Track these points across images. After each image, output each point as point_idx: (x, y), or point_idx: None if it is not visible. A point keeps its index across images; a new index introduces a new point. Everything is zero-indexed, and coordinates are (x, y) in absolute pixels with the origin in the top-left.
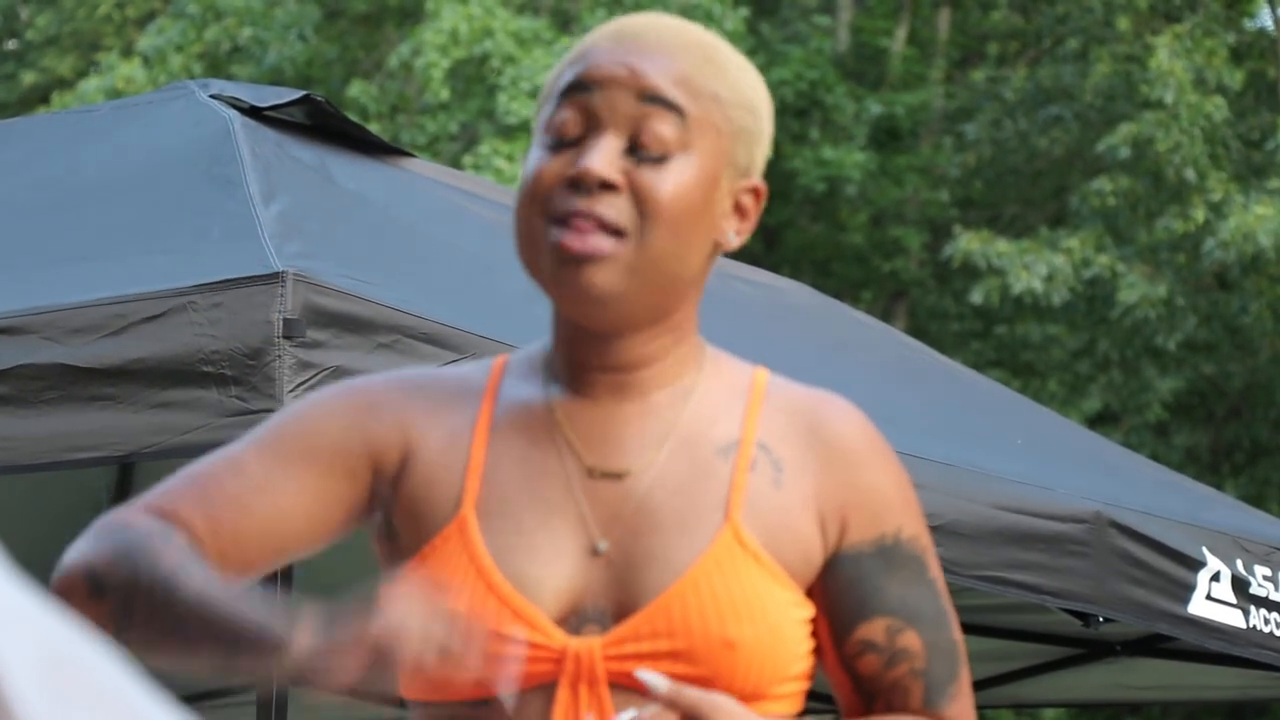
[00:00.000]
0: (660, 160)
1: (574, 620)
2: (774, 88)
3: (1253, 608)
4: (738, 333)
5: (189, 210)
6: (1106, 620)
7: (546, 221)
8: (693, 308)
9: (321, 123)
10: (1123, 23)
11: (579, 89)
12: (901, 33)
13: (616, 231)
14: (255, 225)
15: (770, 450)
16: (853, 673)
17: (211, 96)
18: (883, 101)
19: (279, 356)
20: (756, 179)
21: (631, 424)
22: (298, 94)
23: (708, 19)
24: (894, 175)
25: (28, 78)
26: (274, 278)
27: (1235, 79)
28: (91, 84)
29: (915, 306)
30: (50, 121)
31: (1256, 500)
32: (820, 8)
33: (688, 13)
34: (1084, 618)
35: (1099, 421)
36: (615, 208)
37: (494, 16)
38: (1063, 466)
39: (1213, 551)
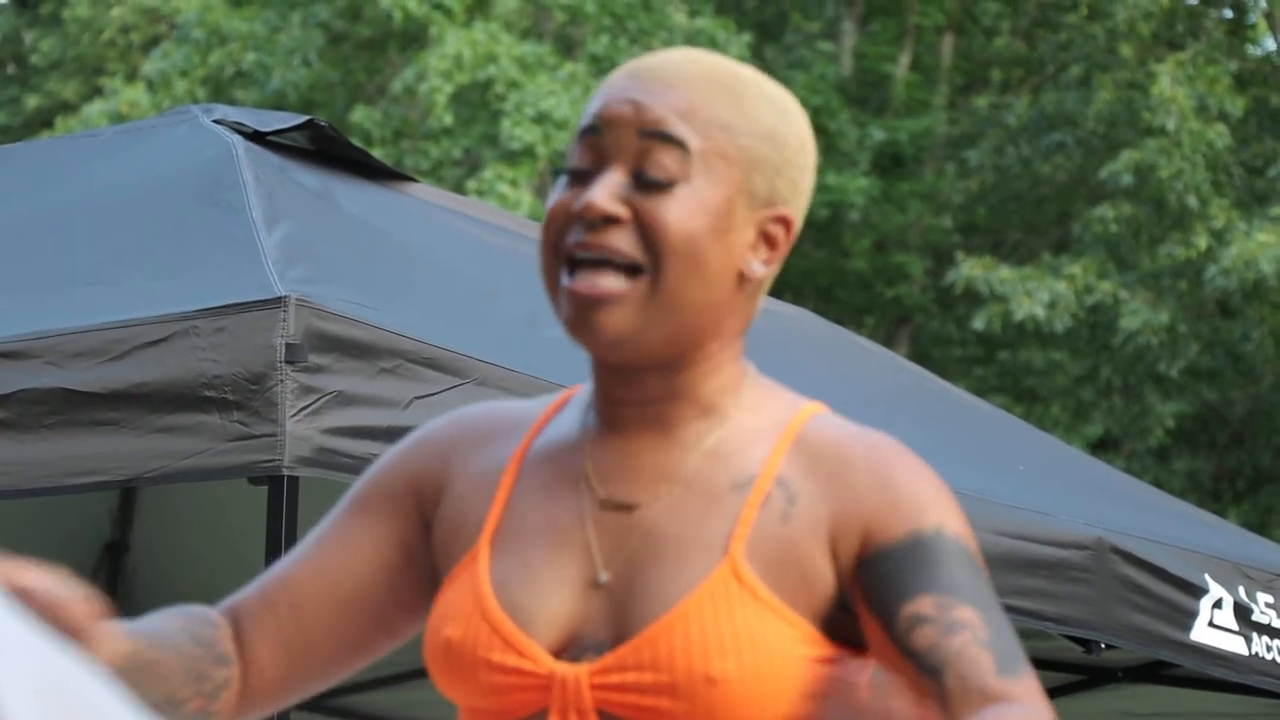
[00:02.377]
0: (664, 189)
1: (573, 650)
2: None
3: (1255, 635)
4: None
5: (192, 235)
6: (1108, 647)
7: (559, 263)
8: (729, 340)
9: (325, 147)
10: (1125, 50)
11: (591, 130)
12: (905, 59)
13: (628, 267)
14: (258, 250)
15: (788, 485)
16: (911, 653)
17: (215, 121)
18: (886, 127)
19: (281, 381)
20: (785, 209)
21: (650, 457)
22: (301, 119)
23: (712, 44)
24: (897, 201)
25: (32, 102)
26: (276, 302)
27: (1238, 106)
28: (95, 108)
29: (918, 332)
30: (54, 146)
31: (1259, 527)
32: (824, 34)
33: (692, 38)
34: (1086, 644)
35: (1101, 448)
36: (622, 239)
37: (498, 42)
38: (1065, 492)
39: (1215, 578)
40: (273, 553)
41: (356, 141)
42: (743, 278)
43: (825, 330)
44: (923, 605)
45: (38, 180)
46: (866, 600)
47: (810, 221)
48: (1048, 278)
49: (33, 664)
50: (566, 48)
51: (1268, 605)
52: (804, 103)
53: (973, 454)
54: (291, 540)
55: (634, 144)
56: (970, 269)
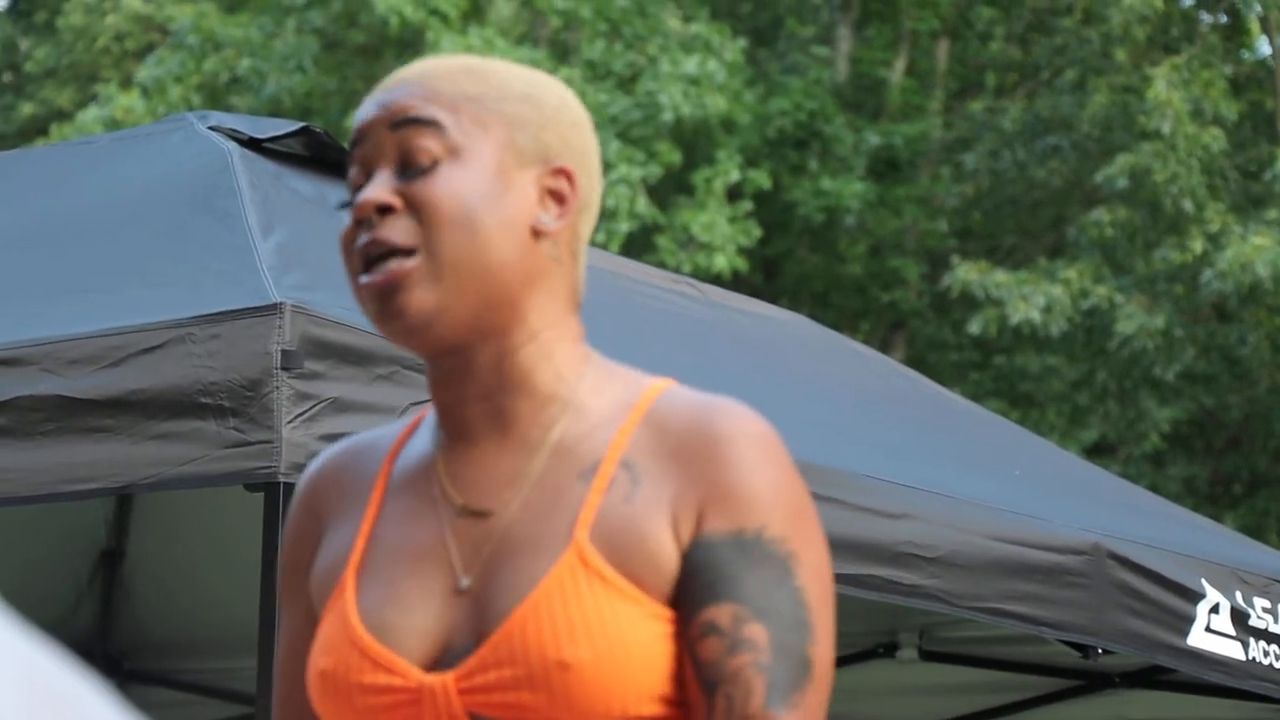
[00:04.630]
0: (428, 170)
1: (446, 659)
2: (772, 118)
3: (1252, 640)
4: (734, 365)
5: (187, 242)
6: (1105, 652)
7: (355, 275)
8: (554, 318)
9: (320, 154)
10: (1120, 54)
11: (354, 145)
12: (900, 64)
13: (406, 251)
14: (253, 257)
15: (633, 466)
16: (695, 661)
17: (210, 128)
18: (881, 132)
19: (277, 388)
20: (561, 162)
21: (498, 461)
22: (296, 125)
23: (706, 49)
24: (892, 206)
25: (26, 109)
26: (272, 309)
27: (1233, 110)
28: (90, 114)
29: (914, 337)
30: (49, 153)
31: (1255, 532)
32: (819, 39)
33: (687, 44)
34: (1082, 649)
35: (1097, 452)
36: (397, 228)
37: (493, 47)
38: (1061, 498)
39: (1212, 583)
40: (269, 559)
41: None
42: (537, 234)
43: (820, 335)
44: (720, 614)
45: (33, 188)
46: (677, 588)
47: (806, 226)
48: (1043, 282)
49: (17, 664)
50: (562, 53)
51: (1264, 610)
52: (799, 107)
53: (968, 459)
54: None
55: (390, 139)
56: (966, 273)
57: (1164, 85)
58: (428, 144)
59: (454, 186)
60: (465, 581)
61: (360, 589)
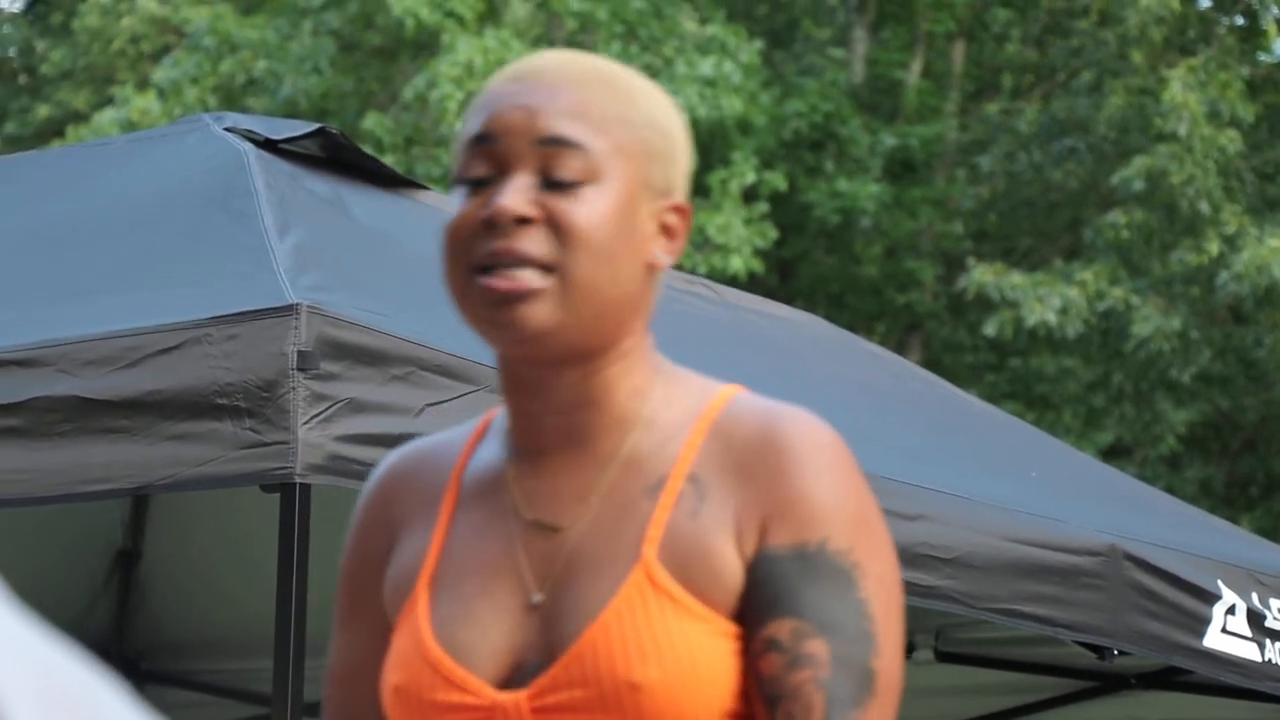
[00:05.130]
0: (571, 190)
1: (517, 677)
2: (788, 120)
3: (1268, 641)
4: (750, 366)
5: (203, 243)
6: (1121, 653)
7: (470, 271)
8: (640, 337)
9: (336, 155)
10: (1137, 56)
11: (482, 140)
12: (916, 65)
13: (542, 266)
14: (270, 258)
15: (699, 481)
16: (757, 676)
17: (226, 129)
18: (897, 134)
19: (293, 389)
20: (678, 198)
21: (569, 475)
22: (312, 127)
23: (722, 51)
24: (908, 208)
25: (43, 111)
26: (288, 310)
27: (1249, 112)
28: (106, 116)
29: (930, 339)
30: (65, 155)
31: (1272, 534)
32: (835, 40)
33: (703, 46)
34: (1098, 650)
35: (1113, 454)
36: (534, 241)
37: (509, 49)
38: (1077, 499)
39: (1228, 585)
40: (284, 560)
41: (368, 149)
42: (650, 269)
43: (836, 337)
44: (780, 630)
45: (49, 189)
46: (743, 602)
47: (821, 228)
48: (1059, 284)
49: (33, 662)
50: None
51: None
52: (815, 109)
53: (985, 461)
54: (304, 548)
55: (533, 150)
56: (981, 275)
57: (1180, 87)
58: (573, 165)
59: (596, 213)
60: (538, 598)
61: (433, 603)
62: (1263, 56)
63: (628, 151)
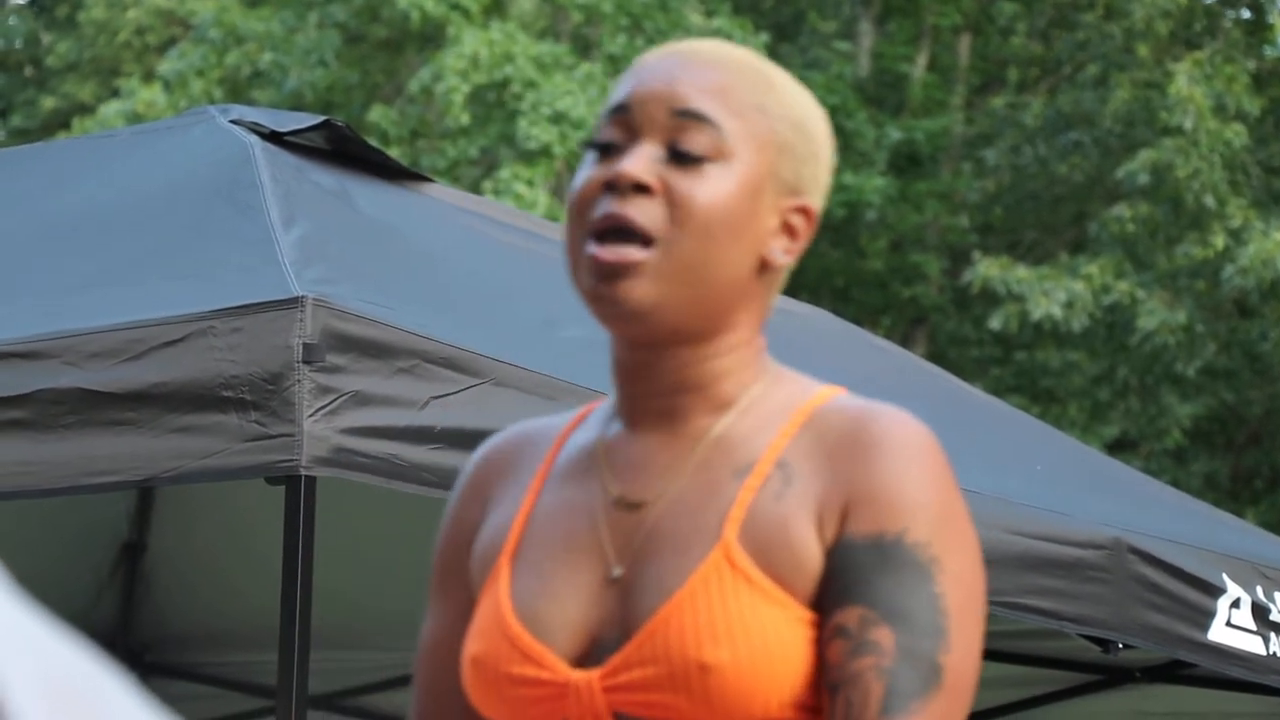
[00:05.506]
0: (696, 165)
1: (594, 653)
2: None
3: (1273, 635)
4: None
5: (209, 235)
6: (1126, 646)
7: (584, 235)
8: (749, 331)
9: (342, 148)
10: (1143, 49)
11: (621, 109)
12: (922, 59)
13: (646, 239)
14: (275, 250)
15: (788, 467)
16: (824, 662)
17: (232, 121)
18: (903, 127)
19: (298, 381)
20: (808, 200)
21: (664, 452)
22: (318, 119)
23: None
24: (914, 201)
25: (48, 103)
26: (293, 303)
27: (1255, 106)
28: (112, 108)
29: (935, 332)
30: (71, 147)
31: (1277, 527)
32: (841, 33)
33: (708, 37)
34: (1103, 644)
35: (1118, 448)
36: (646, 212)
37: (515, 42)
38: (1082, 492)
39: (1233, 578)
40: (289, 553)
41: (373, 141)
42: (764, 264)
43: (841, 330)
44: (849, 617)
45: (55, 182)
46: (820, 589)
47: (827, 221)
48: (1064, 278)
49: (38, 655)
50: (583, 48)
51: None
52: (821, 102)
53: (990, 454)
54: (309, 540)
55: (667, 121)
56: (987, 269)
57: (1186, 81)
58: (703, 141)
59: (715, 193)
60: (618, 571)
61: (514, 577)
62: (1269, 50)
63: (760, 139)
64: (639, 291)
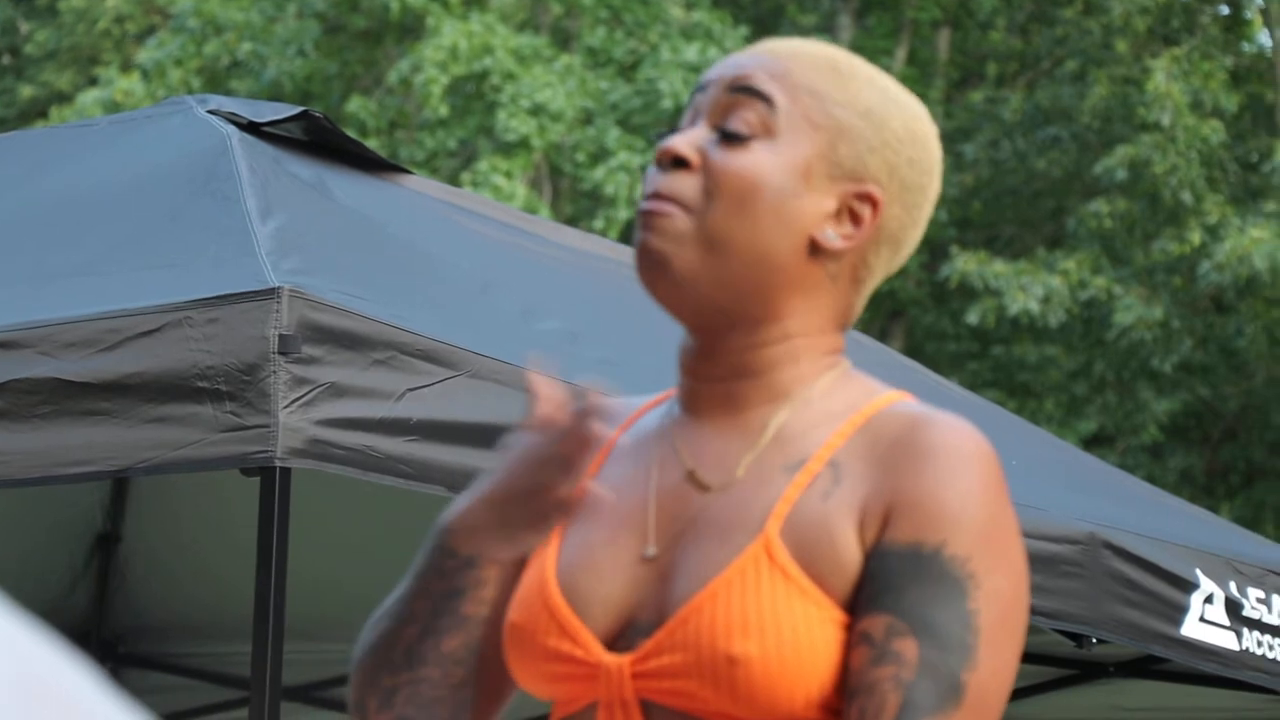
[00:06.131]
0: (739, 141)
1: (629, 634)
2: None
3: (1246, 630)
4: None
5: (185, 225)
6: (1099, 641)
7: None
8: (808, 323)
9: (320, 139)
10: (1121, 45)
11: (697, 90)
12: (901, 53)
13: (687, 207)
14: (252, 241)
15: (839, 466)
16: (847, 667)
17: (209, 111)
18: None
19: (274, 372)
20: (873, 187)
21: (718, 442)
22: (296, 110)
23: (708, 37)
24: None
25: (26, 92)
26: (270, 293)
27: (1232, 102)
28: (90, 97)
29: (912, 326)
30: (48, 136)
31: (1251, 523)
32: (820, 27)
33: (688, 32)
34: (1077, 639)
35: (1094, 443)
36: (683, 184)
37: (494, 33)
38: (1057, 487)
39: (1206, 573)
40: (264, 544)
41: (351, 132)
42: (815, 246)
43: None
44: (875, 624)
45: (32, 170)
46: (855, 592)
47: None
48: (1042, 272)
49: (9, 649)
50: (563, 40)
51: (1259, 600)
52: None
53: None
54: (284, 532)
55: (724, 99)
56: (965, 263)
57: (1164, 77)
58: (752, 117)
59: (752, 166)
60: (651, 551)
61: (562, 546)
62: (1246, 46)
63: (814, 121)
64: (679, 257)
